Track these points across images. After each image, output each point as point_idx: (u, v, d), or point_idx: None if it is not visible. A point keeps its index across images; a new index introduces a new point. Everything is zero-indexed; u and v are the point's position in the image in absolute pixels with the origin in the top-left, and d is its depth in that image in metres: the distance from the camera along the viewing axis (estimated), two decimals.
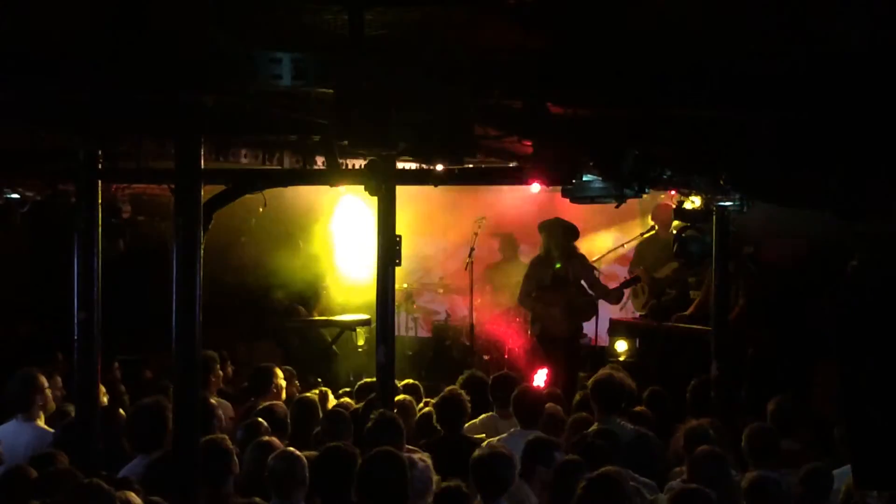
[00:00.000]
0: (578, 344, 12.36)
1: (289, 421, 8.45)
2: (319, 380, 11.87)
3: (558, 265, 11.84)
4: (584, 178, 7.28)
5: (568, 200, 8.29)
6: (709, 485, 6.21)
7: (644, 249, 13.35)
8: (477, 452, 6.84)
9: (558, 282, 11.91)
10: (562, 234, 11.92)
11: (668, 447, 8.37)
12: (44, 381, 8.26)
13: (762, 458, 7.47)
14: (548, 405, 8.87)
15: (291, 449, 6.91)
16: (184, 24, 4.55)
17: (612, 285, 12.52)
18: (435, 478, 6.63)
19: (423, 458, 6.79)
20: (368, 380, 9.94)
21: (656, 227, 13.16)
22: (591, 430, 7.88)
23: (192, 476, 6.15)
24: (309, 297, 13.28)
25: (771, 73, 4.91)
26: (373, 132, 4.69)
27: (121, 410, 8.34)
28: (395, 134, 4.68)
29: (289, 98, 5.21)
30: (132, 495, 5.92)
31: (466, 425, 8.84)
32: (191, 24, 4.53)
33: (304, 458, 6.70)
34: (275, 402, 8.96)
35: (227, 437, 7.30)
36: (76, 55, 5.17)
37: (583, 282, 12.03)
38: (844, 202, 5.89)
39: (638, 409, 8.99)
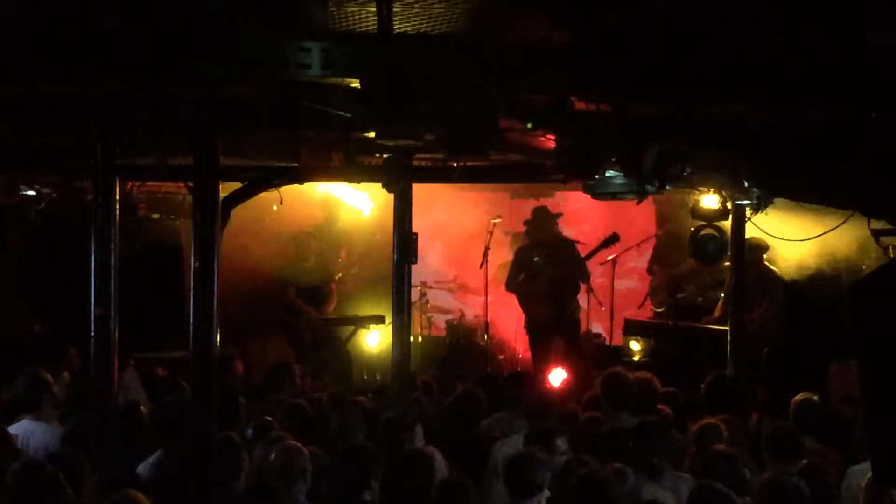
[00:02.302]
0: (573, 329, 12.30)
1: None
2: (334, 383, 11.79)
3: (536, 258, 12.14)
4: (606, 174, 7.26)
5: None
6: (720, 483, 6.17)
7: (662, 246, 13.30)
8: (511, 454, 6.82)
9: (541, 266, 12.11)
10: (547, 220, 12.22)
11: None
12: (50, 379, 8.23)
13: (782, 458, 7.41)
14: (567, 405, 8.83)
15: (294, 442, 6.87)
16: (212, 14, 4.51)
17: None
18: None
19: (433, 451, 6.77)
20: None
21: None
22: (601, 428, 7.85)
23: (208, 473, 6.14)
24: (322, 294, 13.21)
25: (799, 71, 4.88)
26: (400, 123, 4.67)
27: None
28: (421, 125, 4.66)
29: (314, 89, 5.17)
30: (137, 494, 5.88)
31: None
32: (219, 13, 4.50)
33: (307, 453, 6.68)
34: (297, 399, 8.88)
35: (236, 434, 7.27)
36: (94, 48, 5.13)
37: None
38: (871, 200, 5.85)
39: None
